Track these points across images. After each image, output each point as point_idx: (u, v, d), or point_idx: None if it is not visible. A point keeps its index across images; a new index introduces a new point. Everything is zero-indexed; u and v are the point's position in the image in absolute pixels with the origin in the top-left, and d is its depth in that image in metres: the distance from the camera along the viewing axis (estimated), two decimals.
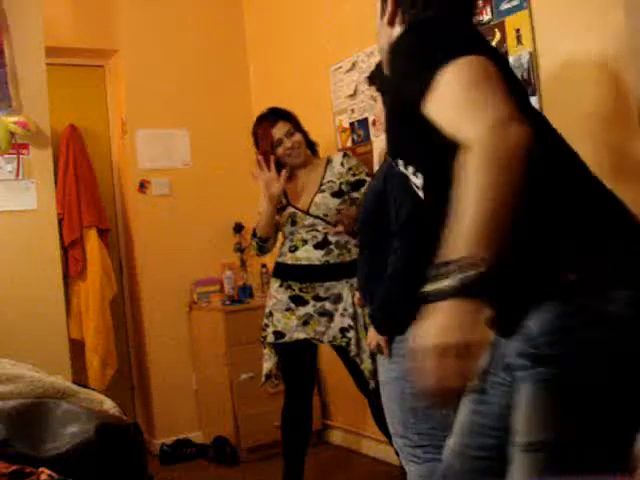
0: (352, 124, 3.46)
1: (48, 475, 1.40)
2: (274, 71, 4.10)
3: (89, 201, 3.81)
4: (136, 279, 4.04)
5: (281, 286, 2.89)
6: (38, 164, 3.34)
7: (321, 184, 2.90)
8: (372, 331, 2.15)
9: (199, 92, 4.16)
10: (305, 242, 2.85)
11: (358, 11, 3.34)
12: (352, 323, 2.78)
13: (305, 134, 2.96)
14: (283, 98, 3.72)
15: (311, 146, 3.00)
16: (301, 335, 2.84)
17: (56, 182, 3.56)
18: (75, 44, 3.89)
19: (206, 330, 3.92)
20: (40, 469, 1.42)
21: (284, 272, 2.91)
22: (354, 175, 2.90)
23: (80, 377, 3.47)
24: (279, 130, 2.89)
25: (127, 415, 1.87)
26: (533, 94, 2.52)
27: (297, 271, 2.86)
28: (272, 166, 2.84)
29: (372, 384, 2.74)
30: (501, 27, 2.61)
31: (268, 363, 2.93)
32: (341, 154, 2.98)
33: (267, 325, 2.92)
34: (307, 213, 2.87)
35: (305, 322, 2.84)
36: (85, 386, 1.99)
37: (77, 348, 3.67)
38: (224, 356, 3.69)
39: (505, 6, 2.59)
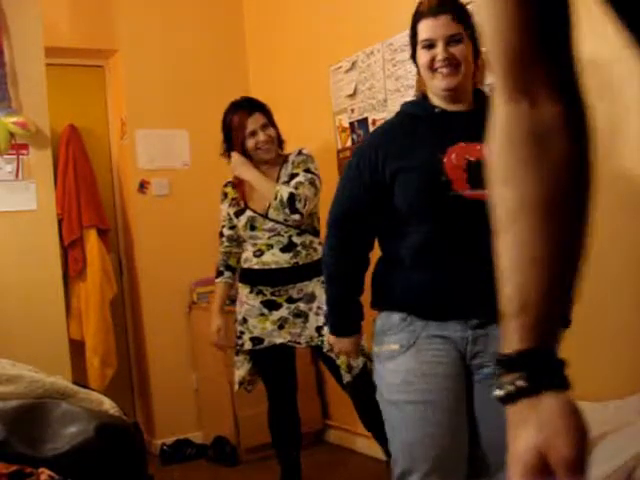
0: (352, 124, 3.46)
1: (48, 475, 1.40)
2: (274, 71, 4.10)
3: (89, 201, 3.81)
4: (136, 279, 4.04)
5: (251, 292, 2.81)
6: (38, 164, 3.34)
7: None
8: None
9: (199, 92, 4.15)
10: (270, 247, 2.76)
11: (358, 11, 3.34)
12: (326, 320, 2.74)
13: (277, 130, 2.85)
14: (283, 98, 3.72)
15: (280, 144, 2.89)
16: (278, 340, 2.79)
17: (56, 182, 3.56)
18: (74, 44, 3.89)
19: (206, 330, 3.90)
20: (40, 469, 1.42)
21: (253, 277, 2.82)
22: (293, 169, 2.78)
23: (80, 377, 3.47)
24: (255, 121, 2.74)
25: (127, 415, 1.87)
26: None
27: (267, 276, 2.77)
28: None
29: (347, 377, 2.73)
30: None
31: (241, 370, 2.89)
32: (297, 151, 2.87)
33: (242, 332, 2.83)
34: (266, 217, 2.77)
35: (280, 326, 2.78)
36: (85, 386, 1.99)
37: (77, 348, 3.67)
38: (224, 356, 3.69)
39: None
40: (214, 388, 3.83)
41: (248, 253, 2.82)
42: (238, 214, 2.82)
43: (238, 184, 2.86)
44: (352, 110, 3.46)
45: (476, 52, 1.82)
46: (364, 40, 3.29)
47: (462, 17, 1.78)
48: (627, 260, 2.30)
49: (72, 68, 4.05)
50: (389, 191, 1.79)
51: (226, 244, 2.93)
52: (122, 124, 4.05)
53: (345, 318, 1.96)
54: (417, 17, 1.81)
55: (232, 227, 2.88)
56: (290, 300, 2.76)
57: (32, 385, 1.72)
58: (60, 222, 3.66)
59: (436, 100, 1.83)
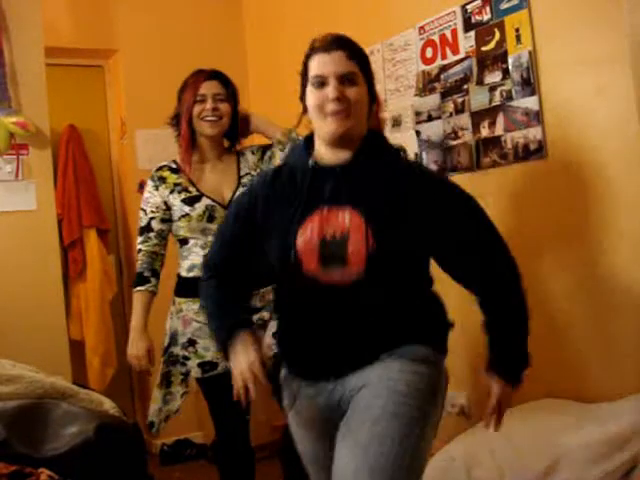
0: None
1: (48, 475, 1.40)
2: (273, 71, 4.09)
3: (89, 201, 3.82)
4: None
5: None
6: (38, 164, 3.34)
7: (239, 177, 2.42)
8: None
9: None
10: None
11: (358, 11, 3.34)
12: None
13: (236, 117, 2.50)
14: (282, 98, 3.71)
15: (234, 136, 2.51)
16: None
17: (56, 182, 3.56)
18: (74, 44, 3.89)
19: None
20: (40, 469, 1.42)
21: None
22: (262, 147, 2.48)
23: (80, 377, 3.47)
24: (210, 87, 2.40)
25: (127, 415, 1.87)
26: (532, 94, 2.52)
27: None
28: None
29: None
30: (500, 26, 2.61)
31: (170, 405, 2.51)
32: (250, 148, 2.54)
33: (187, 358, 2.35)
34: (227, 208, 2.27)
35: None
36: (85, 387, 1.99)
37: (77, 348, 3.67)
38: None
39: (505, 5, 2.59)
40: None
41: (195, 258, 2.40)
42: (191, 202, 2.36)
43: (182, 168, 2.45)
44: None
45: (372, 97, 1.66)
46: (364, 40, 3.22)
47: (357, 56, 1.63)
48: (628, 261, 2.30)
49: (72, 68, 4.05)
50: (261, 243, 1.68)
51: (154, 241, 2.48)
52: (122, 124, 4.05)
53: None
54: (309, 53, 1.65)
55: (165, 220, 2.44)
56: (254, 310, 2.31)
57: (32, 385, 1.72)
58: (60, 222, 3.66)
59: (319, 144, 1.65)
